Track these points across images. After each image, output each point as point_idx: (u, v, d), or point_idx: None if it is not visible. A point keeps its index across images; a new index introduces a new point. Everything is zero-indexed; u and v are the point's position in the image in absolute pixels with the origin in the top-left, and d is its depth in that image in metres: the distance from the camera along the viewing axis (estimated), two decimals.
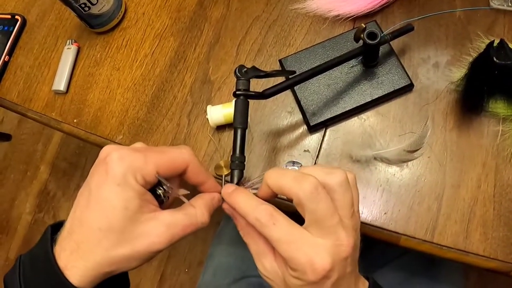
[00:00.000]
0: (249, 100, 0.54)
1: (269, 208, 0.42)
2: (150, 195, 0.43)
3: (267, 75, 0.56)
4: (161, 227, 0.42)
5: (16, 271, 0.42)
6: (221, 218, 0.93)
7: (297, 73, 0.59)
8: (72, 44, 0.75)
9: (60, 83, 0.73)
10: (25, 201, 1.91)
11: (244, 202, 0.44)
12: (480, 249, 0.57)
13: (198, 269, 1.62)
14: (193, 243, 1.66)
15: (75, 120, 0.71)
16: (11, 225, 1.90)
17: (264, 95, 0.56)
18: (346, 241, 0.41)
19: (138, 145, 0.46)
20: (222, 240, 0.86)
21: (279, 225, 0.41)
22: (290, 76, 0.59)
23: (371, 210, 0.60)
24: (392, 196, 0.60)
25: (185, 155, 0.45)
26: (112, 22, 0.74)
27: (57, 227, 0.44)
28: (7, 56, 0.77)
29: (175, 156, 0.44)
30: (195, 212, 0.45)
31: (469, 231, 0.58)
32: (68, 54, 0.74)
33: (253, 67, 0.55)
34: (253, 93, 0.54)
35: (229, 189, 0.47)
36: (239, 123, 0.53)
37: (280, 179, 0.42)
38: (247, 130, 0.53)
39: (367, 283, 0.46)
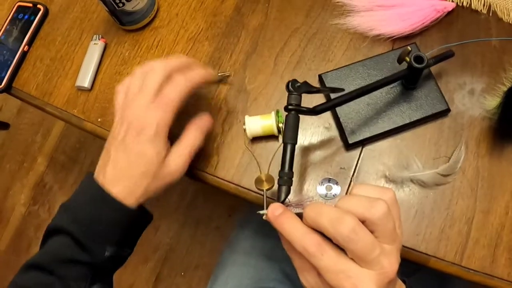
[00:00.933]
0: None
1: (317, 238, 0.42)
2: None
3: (319, 91, 0.56)
4: (178, 161, 0.55)
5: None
6: (222, 223, 0.92)
7: (345, 91, 0.59)
8: (99, 39, 0.72)
9: (85, 79, 0.70)
10: (20, 192, 1.84)
11: (292, 229, 0.44)
12: (505, 273, 0.59)
13: (194, 272, 1.60)
14: (191, 246, 1.64)
15: (99, 119, 0.69)
16: (4, 215, 1.83)
17: (315, 111, 0.56)
18: (389, 268, 0.42)
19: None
20: (235, 249, 0.85)
21: (326, 256, 0.42)
22: (338, 94, 0.59)
23: (403, 231, 0.61)
24: (425, 218, 0.61)
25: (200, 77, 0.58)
26: (144, 21, 0.72)
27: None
28: (26, 46, 0.73)
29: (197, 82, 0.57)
30: (193, 136, 0.58)
31: (495, 256, 0.60)
32: (95, 49, 0.72)
33: (305, 82, 0.54)
34: (305, 109, 0.54)
35: (276, 211, 0.46)
36: (290, 138, 0.53)
37: (317, 219, 0.42)
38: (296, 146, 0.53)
39: (404, 286, 0.48)
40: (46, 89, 0.72)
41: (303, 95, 0.54)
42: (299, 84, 0.54)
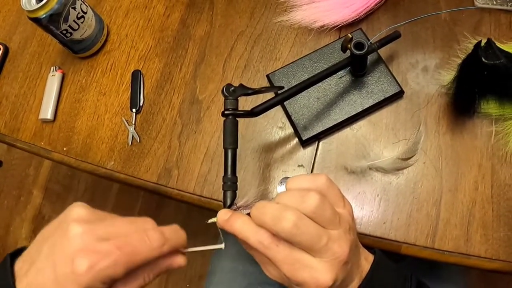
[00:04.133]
0: (238, 119, 0.53)
1: (269, 232, 0.43)
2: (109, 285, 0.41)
3: (255, 92, 0.56)
4: None
5: None
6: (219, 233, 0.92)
7: (286, 88, 0.59)
8: (56, 70, 0.74)
9: (47, 111, 0.72)
10: (20, 226, 1.89)
11: (243, 228, 0.44)
12: (482, 251, 0.57)
13: (199, 283, 1.61)
14: (193, 257, 1.64)
15: (64, 148, 0.70)
16: (8, 251, 1.88)
17: (253, 113, 0.55)
18: (340, 251, 0.42)
19: (105, 228, 0.43)
20: (222, 256, 0.85)
21: (281, 247, 0.42)
22: (279, 92, 0.58)
23: (370, 221, 0.60)
24: (390, 205, 0.60)
25: (155, 250, 0.43)
26: (95, 46, 0.73)
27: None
28: None
29: (146, 255, 0.42)
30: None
31: (469, 234, 0.58)
32: (53, 81, 0.73)
33: (241, 85, 0.54)
34: (242, 112, 0.54)
35: (224, 216, 0.46)
36: (229, 144, 0.52)
37: (261, 218, 0.42)
38: (238, 149, 0.53)
39: (371, 257, 0.49)
40: (14, 126, 0.74)
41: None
42: (233, 88, 0.53)
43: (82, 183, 1.84)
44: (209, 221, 0.50)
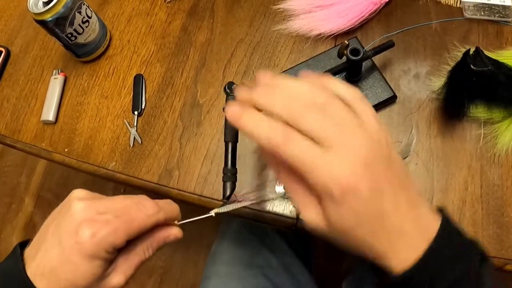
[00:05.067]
0: None
1: (281, 127, 0.38)
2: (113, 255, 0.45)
3: None
4: (120, 279, 0.45)
5: None
6: (212, 240, 0.93)
7: None
8: (58, 74, 0.75)
9: (49, 113, 0.73)
10: (11, 234, 1.87)
11: (254, 121, 0.39)
12: None
13: None
14: (185, 266, 1.65)
15: (66, 150, 0.72)
16: None
17: None
18: (356, 144, 0.37)
19: (106, 205, 0.45)
20: (217, 261, 0.86)
21: (294, 143, 0.37)
22: None
23: None
24: None
25: (151, 217, 0.45)
26: (98, 51, 0.75)
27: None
28: None
29: (144, 222, 0.45)
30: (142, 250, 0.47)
31: None
32: (55, 84, 0.75)
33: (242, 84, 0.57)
34: None
35: (235, 109, 0.39)
36: (230, 138, 0.55)
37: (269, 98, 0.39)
38: (239, 144, 0.56)
39: (437, 218, 0.41)
40: (14, 127, 0.75)
41: None
42: (234, 85, 0.56)
43: None
44: (212, 212, 0.52)
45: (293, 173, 0.40)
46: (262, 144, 0.38)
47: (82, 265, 0.42)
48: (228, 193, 0.52)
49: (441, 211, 0.42)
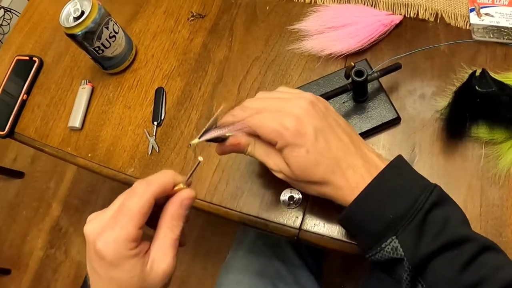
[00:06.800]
0: None
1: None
2: (144, 245, 0.45)
3: None
4: (162, 265, 0.45)
5: None
6: (228, 252, 0.97)
7: None
8: (86, 84, 0.81)
9: (76, 120, 0.79)
10: (37, 236, 1.95)
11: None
12: None
13: None
14: (203, 278, 1.68)
15: (89, 155, 0.77)
16: (23, 260, 1.94)
17: None
18: (297, 104, 0.52)
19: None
20: (230, 270, 0.89)
21: (249, 110, 0.54)
22: None
23: None
24: None
25: (144, 195, 0.45)
26: (124, 64, 0.81)
27: None
28: (25, 95, 0.84)
29: (140, 204, 0.45)
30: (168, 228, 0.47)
31: None
32: (83, 93, 0.81)
33: None
34: None
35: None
36: None
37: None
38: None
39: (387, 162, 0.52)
40: (43, 132, 0.81)
41: None
42: None
43: (101, 199, 1.91)
44: (192, 142, 0.53)
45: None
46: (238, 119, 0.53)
47: (120, 273, 0.43)
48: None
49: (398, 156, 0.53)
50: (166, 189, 0.47)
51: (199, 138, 0.52)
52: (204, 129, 0.53)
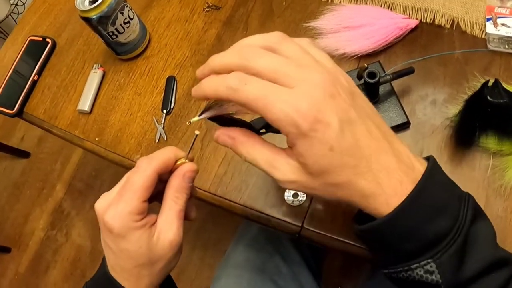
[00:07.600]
0: None
1: (236, 72, 0.39)
2: (150, 218, 0.48)
3: None
4: (169, 236, 0.48)
5: None
6: (228, 246, 0.97)
7: None
8: (98, 68, 0.81)
9: (85, 104, 0.79)
10: (39, 217, 1.97)
11: (210, 83, 0.41)
12: None
13: None
14: (200, 269, 1.69)
15: (96, 139, 0.77)
16: (23, 240, 1.96)
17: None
18: (316, 79, 0.38)
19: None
20: (230, 262, 0.89)
21: (250, 84, 0.38)
22: None
23: None
24: None
25: (147, 169, 0.47)
26: (137, 51, 0.81)
27: None
28: (36, 76, 0.84)
29: (143, 178, 0.47)
30: (173, 201, 0.49)
31: None
32: (94, 77, 0.81)
33: None
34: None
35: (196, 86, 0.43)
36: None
37: (222, 61, 0.41)
38: None
39: (422, 160, 0.44)
40: (52, 113, 0.81)
41: None
42: None
43: (105, 185, 1.92)
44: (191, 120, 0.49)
45: (253, 136, 0.44)
46: (224, 96, 0.39)
47: (128, 244, 0.46)
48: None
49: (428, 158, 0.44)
50: (168, 164, 0.49)
51: (199, 115, 0.47)
52: (205, 106, 0.46)
